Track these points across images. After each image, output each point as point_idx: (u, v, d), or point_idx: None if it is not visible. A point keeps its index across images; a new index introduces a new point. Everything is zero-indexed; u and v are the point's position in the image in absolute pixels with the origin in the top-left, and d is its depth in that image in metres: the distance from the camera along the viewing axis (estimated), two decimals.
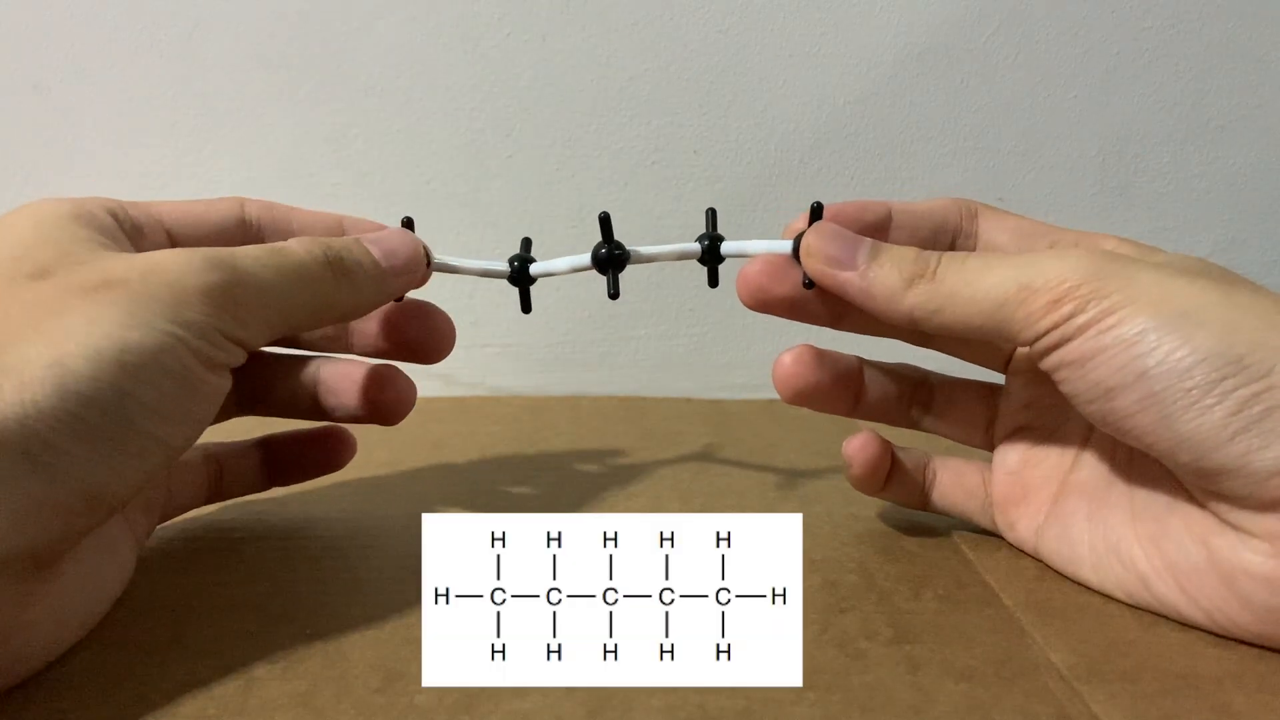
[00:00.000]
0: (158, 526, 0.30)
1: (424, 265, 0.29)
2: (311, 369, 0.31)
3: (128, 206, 0.27)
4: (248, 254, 0.24)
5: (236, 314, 0.23)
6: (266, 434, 0.33)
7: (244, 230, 0.29)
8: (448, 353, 0.31)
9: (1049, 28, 0.49)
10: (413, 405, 0.31)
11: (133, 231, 0.27)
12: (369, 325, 0.31)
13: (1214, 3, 0.50)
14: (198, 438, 0.24)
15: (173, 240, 0.28)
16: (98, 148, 0.48)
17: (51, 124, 0.47)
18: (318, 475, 0.33)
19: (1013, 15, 0.49)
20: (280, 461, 0.33)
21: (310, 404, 0.31)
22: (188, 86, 0.47)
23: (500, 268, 0.31)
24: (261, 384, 0.31)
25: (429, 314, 0.31)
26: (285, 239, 0.28)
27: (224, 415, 0.31)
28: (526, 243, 0.32)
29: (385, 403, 0.30)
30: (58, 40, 0.47)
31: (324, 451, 0.33)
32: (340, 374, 0.31)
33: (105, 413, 0.21)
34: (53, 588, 0.22)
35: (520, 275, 0.31)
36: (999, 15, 0.49)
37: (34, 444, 0.20)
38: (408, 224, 0.29)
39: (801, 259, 0.28)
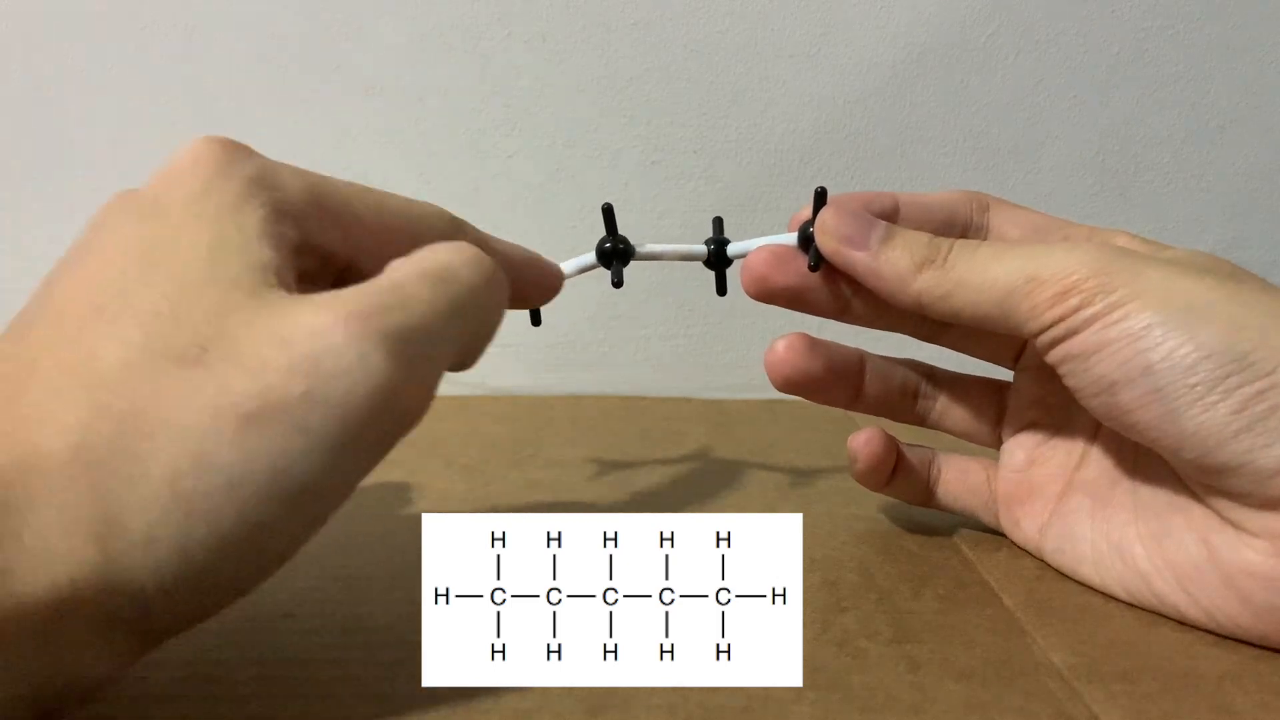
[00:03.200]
0: None
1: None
2: None
3: (315, 185, 0.22)
4: (421, 303, 0.20)
5: (412, 410, 0.20)
6: None
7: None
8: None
9: (1049, 28, 0.49)
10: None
11: (298, 239, 0.21)
12: None
13: (1214, 3, 0.50)
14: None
15: (348, 240, 0.23)
16: (98, 148, 0.48)
17: (51, 124, 0.47)
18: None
19: (1013, 15, 0.49)
20: None
21: None
22: (188, 86, 0.47)
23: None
24: None
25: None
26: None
27: None
28: None
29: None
30: (58, 40, 0.47)
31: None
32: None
33: (218, 593, 0.19)
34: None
35: None
36: (999, 15, 0.49)
37: (151, 594, 0.17)
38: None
39: (816, 235, 0.28)
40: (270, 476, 0.18)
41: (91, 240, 0.20)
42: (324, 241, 0.22)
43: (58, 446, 0.17)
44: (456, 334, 0.21)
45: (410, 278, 0.20)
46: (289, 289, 0.20)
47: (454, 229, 0.25)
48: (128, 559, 0.17)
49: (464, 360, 0.23)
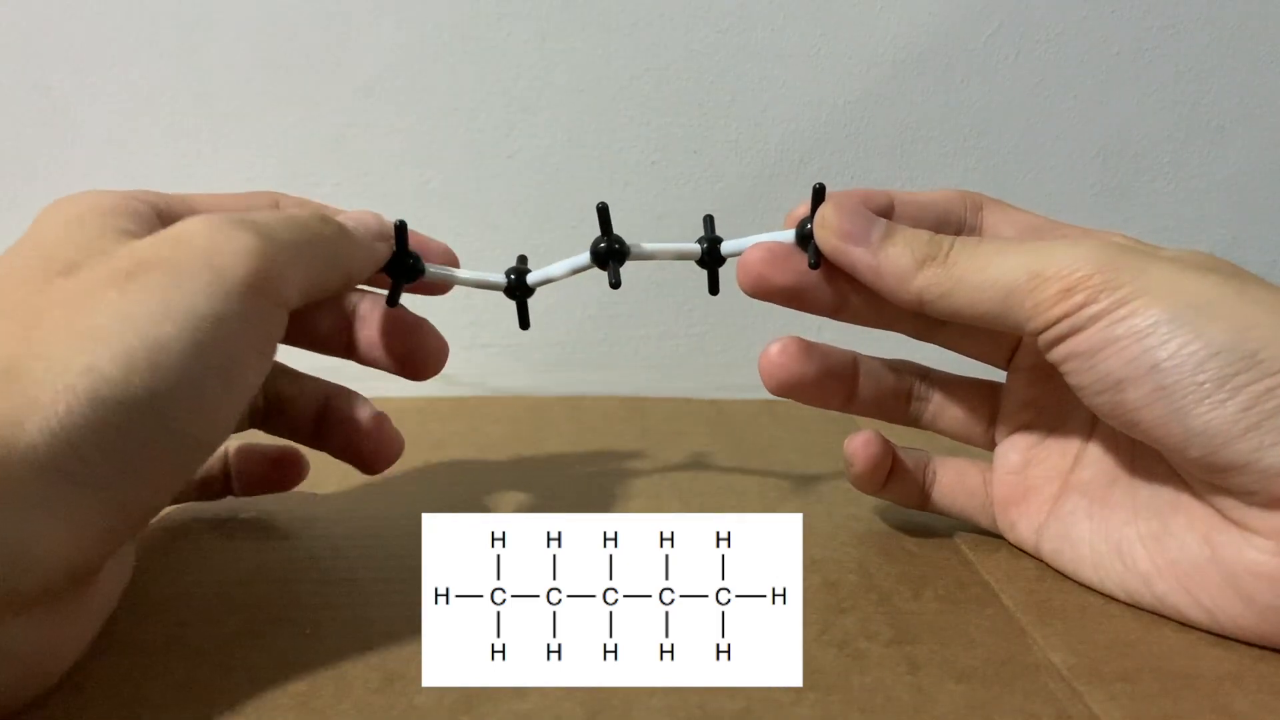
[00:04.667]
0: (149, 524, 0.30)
1: (390, 237, 0.29)
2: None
3: (172, 201, 0.27)
4: (261, 216, 0.24)
5: (274, 272, 0.23)
6: (240, 445, 0.32)
7: None
8: (438, 370, 0.31)
9: (1049, 28, 0.49)
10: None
11: (170, 219, 0.26)
12: (370, 334, 0.30)
13: (1214, 3, 0.50)
14: (233, 426, 0.23)
15: None
16: (98, 148, 0.48)
17: (52, 124, 0.47)
18: (275, 491, 0.33)
19: (1013, 15, 0.49)
20: (245, 474, 0.32)
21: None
22: (188, 86, 0.47)
23: (496, 279, 0.30)
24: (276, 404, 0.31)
25: (423, 329, 0.30)
26: None
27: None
28: (522, 259, 0.31)
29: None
30: (59, 40, 0.47)
31: (282, 474, 0.32)
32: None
33: (141, 419, 0.20)
34: (85, 605, 0.22)
35: (516, 288, 0.30)
36: (999, 15, 0.49)
37: (70, 460, 0.19)
38: (400, 227, 0.29)
39: (815, 232, 0.28)
40: (154, 339, 0.20)
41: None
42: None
43: None
44: (302, 244, 0.24)
45: (263, 213, 0.25)
46: None
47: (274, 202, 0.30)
48: (40, 406, 0.19)
49: (323, 281, 0.26)
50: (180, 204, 0.27)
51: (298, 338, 0.31)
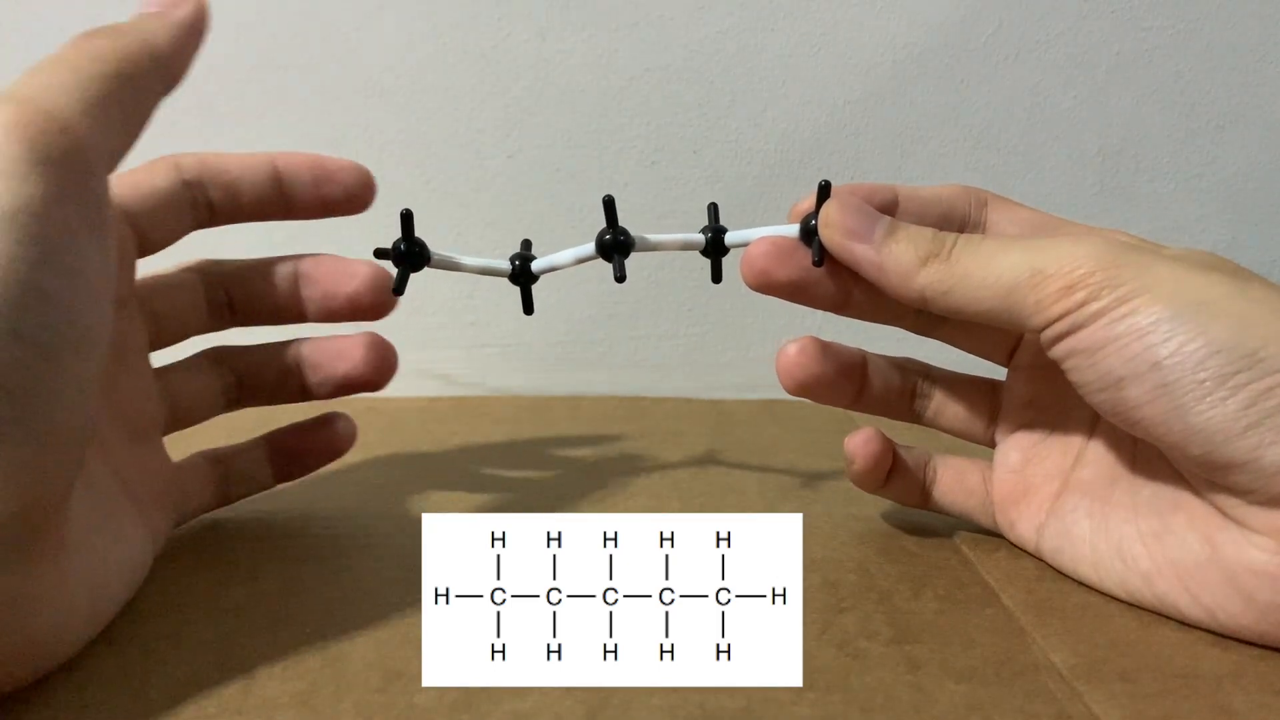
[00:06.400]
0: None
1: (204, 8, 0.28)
2: (293, 350, 0.31)
3: None
4: (25, 76, 0.22)
5: (51, 141, 0.20)
6: (268, 430, 0.33)
7: (189, 190, 0.29)
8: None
9: (1049, 28, 0.49)
10: (395, 370, 0.32)
11: None
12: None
13: (1214, 3, 0.50)
14: (111, 296, 0.22)
15: (130, 218, 0.28)
16: None
17: None
18: (323, 464, 0.33)
19: (1013, 15, 0.49)
20: (285, 455, 0.33)
21: (299, 386, 0.32)
22: (188, 86, 0.47)
23: (501, 266, 0.31)
24: (248, 373, 0.31)
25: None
26: (228, 188, 0.29)
27: (213, 411, 0.32)
28: (526, 244, 0.31)
29: (369, 367, 0.31)
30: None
31: (326, 437, 0.33)
32: (321, 349, 0.31)
33: (20, 308, 0.19)
34: (55, 565, 0.21)
35: (521, 274, 0.31)
36: (999, 15, 0.49)
37: None
38: (406, 217, 0.29)
39: (819, 229, 0.28)
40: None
41: None
42: None
43: None
44: (71, 85, 0.22)
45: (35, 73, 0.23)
46: None
47: None
48: None
49: (114, 116, 0.23)
50: None
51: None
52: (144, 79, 0.24)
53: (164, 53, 0.25)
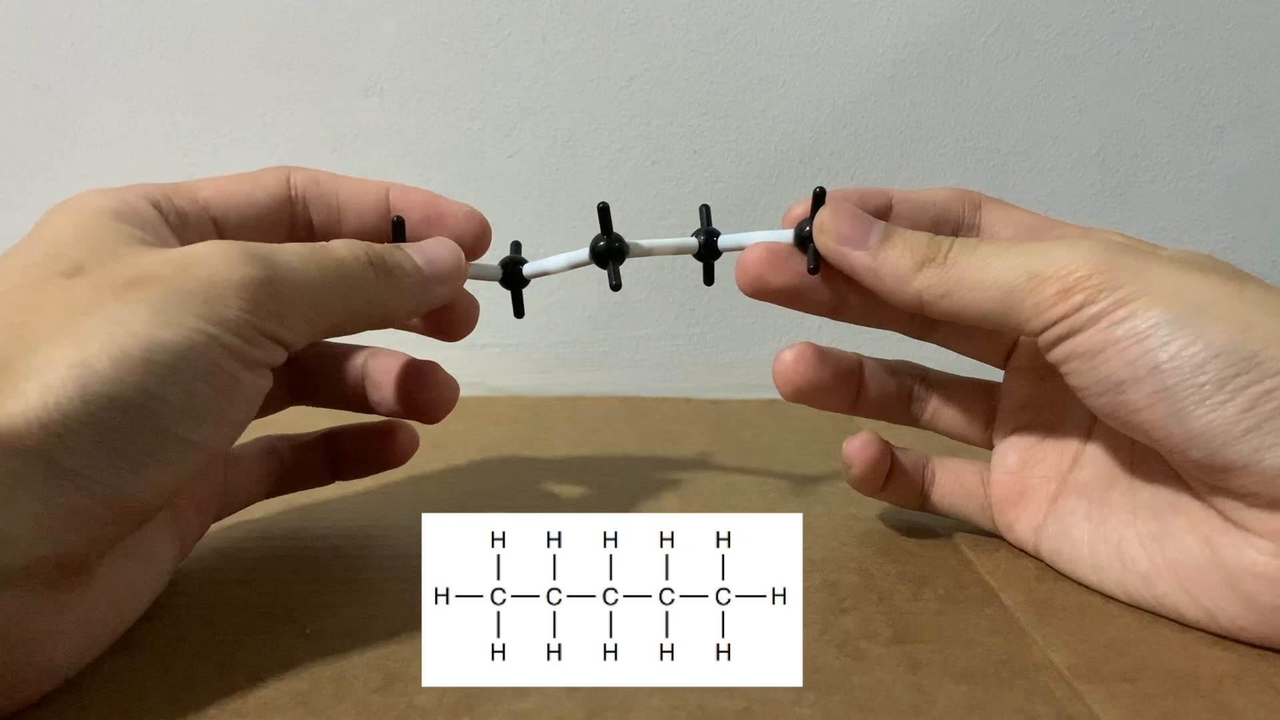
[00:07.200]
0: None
1: (465, 274, 0.28)
2: (359, 361, 0.31)
3: (172, 194, 0.26)
4: (288, 249, 0.24)
5: (275, 310, 0.23)
6: (332, 426, 0.32)
7: (291, 207, 0.29)
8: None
9: (1049, 28, 0.49)
10: (453, 405, 0.31)
11: (177, 222, 0.26)
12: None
13: (1214, 3, 0.50)
14: (236, 439, 0.23)
15: (218, 226, 0.27)
16: (98, 148, 0.48)
17: (52, 123, 0.47)
18: (378, 470, 0.32)
19: (1013, 15, 0.49)
20: (344, 455, 0.32)
21: (359, 397, 0.31)
22: (188, 86, 0.47)
23: (491, 270, 0.30)
24: (315, 375, 0.31)
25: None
26: (332, 212, 0.29)
27: (277, 406, 0.31)
28: (516, 245, 0.31)
29: (423, 400, 0.30)
30: (58, 40, 0.47)
31: (387, 445, 0.32)
32: (384, 367, 0.30)
33: (131, 416, 0.20)
34: (83, 597, 0.21)
35: (511, 278, 0.30)
36: (999, 15, 0.49)
37: (56, 449, 0.19)
38: (398, 224, 0.28)
39: (814, 236, 0.28)
40: (148, 340, 0.20)
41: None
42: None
43: None
44: (323, 285, 0.24)
45: (292, 245, 0.24)
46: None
47: None
48: (26, 395, 0.19)
49: (342, 322, 0.25)
50: (183, 193, 0.27)
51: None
52: (387, 323, 0.27)
53: (422, 311, 0.28)
